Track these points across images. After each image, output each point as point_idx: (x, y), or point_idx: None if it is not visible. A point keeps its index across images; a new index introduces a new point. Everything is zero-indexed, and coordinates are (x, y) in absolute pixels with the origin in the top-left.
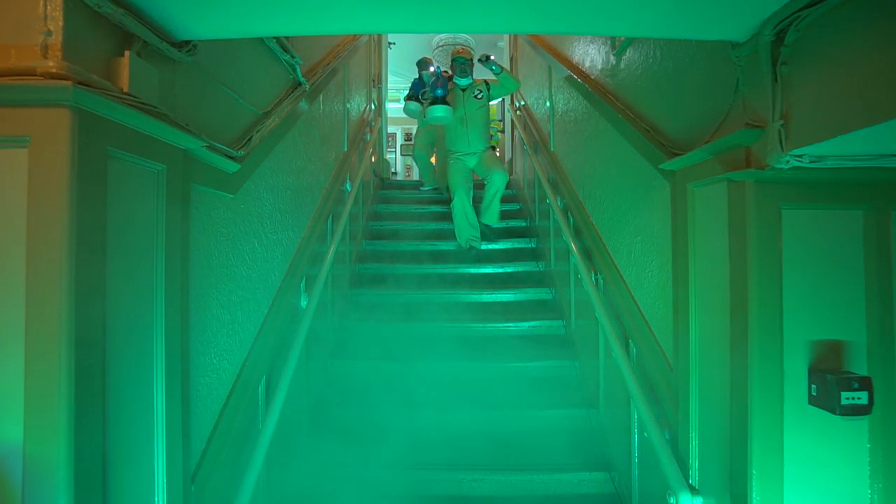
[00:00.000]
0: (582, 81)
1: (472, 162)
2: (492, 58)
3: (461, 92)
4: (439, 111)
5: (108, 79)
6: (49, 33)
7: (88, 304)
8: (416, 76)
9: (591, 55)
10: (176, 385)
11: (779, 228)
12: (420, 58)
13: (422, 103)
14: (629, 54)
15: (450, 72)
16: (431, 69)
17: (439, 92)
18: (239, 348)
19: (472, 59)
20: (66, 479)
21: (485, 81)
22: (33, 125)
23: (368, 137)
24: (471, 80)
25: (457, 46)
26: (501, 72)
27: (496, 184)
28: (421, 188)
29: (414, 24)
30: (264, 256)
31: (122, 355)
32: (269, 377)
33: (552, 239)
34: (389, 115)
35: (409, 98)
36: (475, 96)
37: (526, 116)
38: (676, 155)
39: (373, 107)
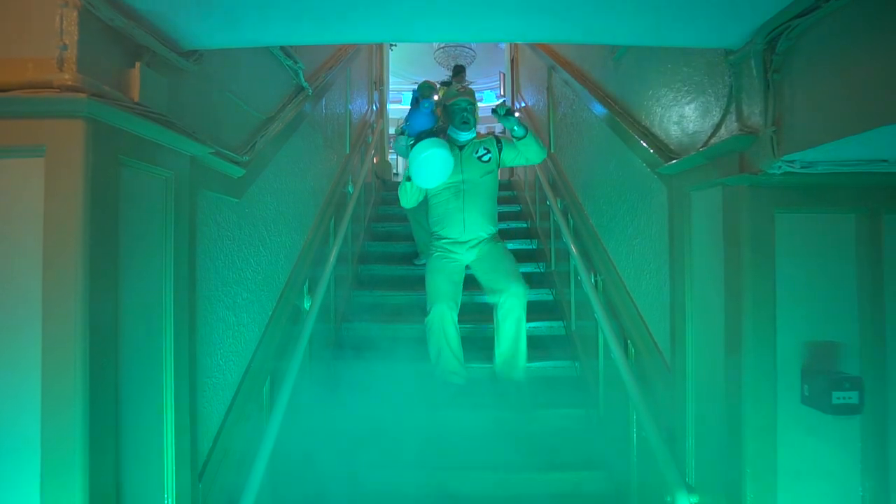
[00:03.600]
0: (581, 84)
1: (467, 257)
2: (507, 105)
3: (458, 150)
4: (429, 151)
5: (120, 89)
6: (65, 47)
7: (102, 307)
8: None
9: (590, 59)
10: (184, 386)
11: (772, 232)
12: (422, 82)
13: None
14: (627, 59)
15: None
16: (436, 97)
17: (423, 122)
18: (244, 350)
19: (475, 104)
20: (82, 477)
21: (493, 136)
22: (49, 135)
23: (370, 139)
24: (474, 135)
25: (456, 87)
26: (526, 134)
27: (513, 306)
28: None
29: (414, 33)
30: (268, 259)
31: (133, 356)
32: (273, 378)
33: (552, 240)
34: (391, 116)
35: (400, 135)
36: (479, 157)
37: (527, 118)
38: (673, 159)
39: (374, 108)
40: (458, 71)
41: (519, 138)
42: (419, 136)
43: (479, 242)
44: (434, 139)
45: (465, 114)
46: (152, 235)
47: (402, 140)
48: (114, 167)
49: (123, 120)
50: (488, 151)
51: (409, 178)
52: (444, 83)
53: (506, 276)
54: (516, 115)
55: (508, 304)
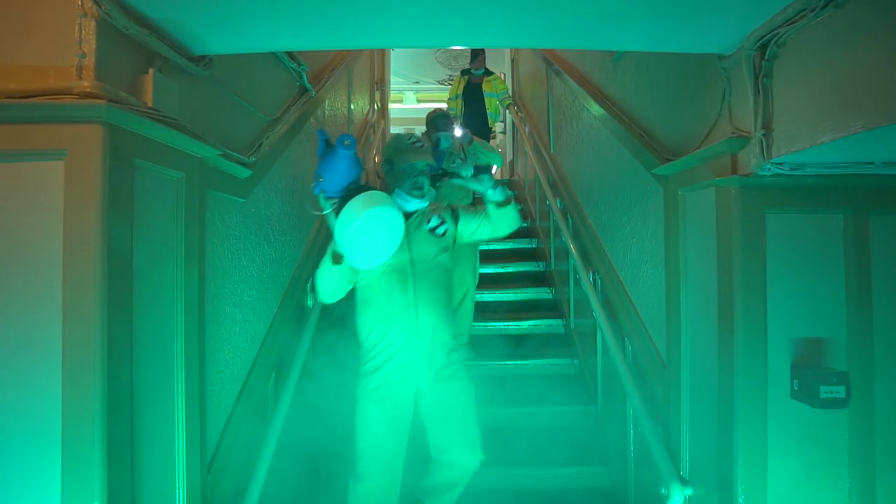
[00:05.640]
0: (580, 86)
1: (420, 382)
2: (489, 164)
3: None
4: (368, 212)
5: (134, 94)
6: (83, 55)
7: (118, 306)
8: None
9: (589, 60)
10: (194, 380)
11: (763, 232)
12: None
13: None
14: (625, 62)
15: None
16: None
17: (345, 171)
18: (250, 346)
19: (432, 166)
20: (101, 472)
21: (448, 206)
22: (69, 139)
23: (372, 139)
24: (426, 203)
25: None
26: (508, 199)
27: (461, 480)
28: None
29: (412, 40)
30: (273, 258)
31: (146, 353)
32: (277, 373)
33: (552, 239)
34: (392, 115)
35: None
36: (432, 229)
37: (526, 117)
38: (669, 160)
39: (376, 108)
40: (476, 55)
41: (499, 204)
42: (346, 194)
43: (443, 362)
44: (371, 193)
45: (421, 178)
46: (164, 235)
47: (325, 204)
48: (129, 169)
49: (138, 124)
50: (444, 222)
51: (337, 259)
52: (464, 71)
53: (466, 436)
54: (493, 169)
55: (456, 477)
